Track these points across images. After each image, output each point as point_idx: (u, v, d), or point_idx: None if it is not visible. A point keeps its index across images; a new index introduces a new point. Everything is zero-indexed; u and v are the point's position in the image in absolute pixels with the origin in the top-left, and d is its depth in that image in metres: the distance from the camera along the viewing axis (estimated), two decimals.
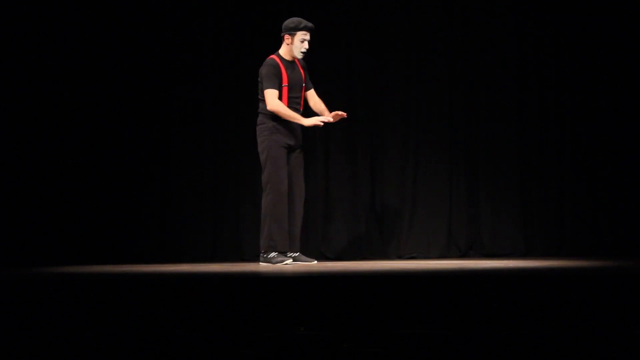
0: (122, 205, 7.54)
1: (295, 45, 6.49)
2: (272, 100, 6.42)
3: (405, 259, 7.50)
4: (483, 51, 7.67)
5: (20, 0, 7.45)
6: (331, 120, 6.55)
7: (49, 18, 7.47)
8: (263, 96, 6.48)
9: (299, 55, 6.52)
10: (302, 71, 6.60)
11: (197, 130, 7.68)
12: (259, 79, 6.53)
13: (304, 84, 6.60)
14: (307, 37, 6.50)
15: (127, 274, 5.41)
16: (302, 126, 6.54)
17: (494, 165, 7.64)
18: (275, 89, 6.42)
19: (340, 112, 6.55)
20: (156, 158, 7.65)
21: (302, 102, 6.61)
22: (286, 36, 6.51)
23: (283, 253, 6.47)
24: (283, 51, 6.55)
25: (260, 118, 6.57)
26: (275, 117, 6.48)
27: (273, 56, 6.55)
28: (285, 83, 6.47)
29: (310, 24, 6.49)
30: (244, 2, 7.71)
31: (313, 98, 6.68)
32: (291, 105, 6.49)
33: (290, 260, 6.49)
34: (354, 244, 7.62)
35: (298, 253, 6.59)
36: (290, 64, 6.55)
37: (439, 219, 7.66)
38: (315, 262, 6.65)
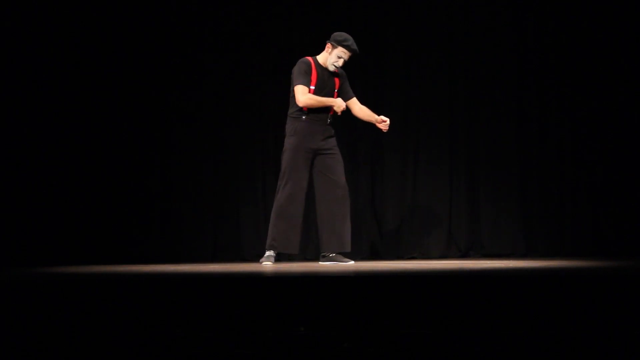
0: (122, 205, 7.54)
1: (331, 57, 6.48)
2: (301, 95, 6.42)
3: (405, 259, 7.50)
4: (483, 51, 7.68)
5: (20, 0, 7.46)
6: (379, 125, 6.59)
7: (49, 17, 7.48)
8: (292, 97, 6.50)
9: (330, 68, 6.51)
10: (337, 80, 6.59)
11: (197, 130, 7.69)
12: (291, 79, 6.53)
13: (336, 91, 6.58)
14: (346, 56, 6.48)
15: (127, 274, 5.41)
16: (332, 129, 6.54)
17: (494, 165, 7.65)
18: (304, 85, 6.43)
19: (383, 119, 6.59)
20: (156, 158, 7.66)
21: (332, 109, 6.58)
22: (329, 45, 6.51)
23: (282, 254, 6.54)
24: (321, 57, 6.55)
25: (287, 121, 6.58)
26: (296, 118, 6.47)
27: (308, 57, 6.55)
28: (312, 85, 6.47)
29: (354, 47, 6.46)
30: (245, 2, 7.72)
31: (355, 106, 6.67)
32: (319, 109, 6.49)
33: (270, 263, 6.48)
34: (354, 244, 7.61)
35: (334, 254, 6.55)
36: (325, 70, 6.54)
37: (439, 219, 7.67)
38: (353, 262, 6.58)
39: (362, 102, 7.76)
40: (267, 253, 6.53)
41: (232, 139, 7.69)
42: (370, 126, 7.72)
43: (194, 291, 4.33)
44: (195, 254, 7.54)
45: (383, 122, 6.60)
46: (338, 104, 6.48)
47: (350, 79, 7.54)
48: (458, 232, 7.67)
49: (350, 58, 6.50)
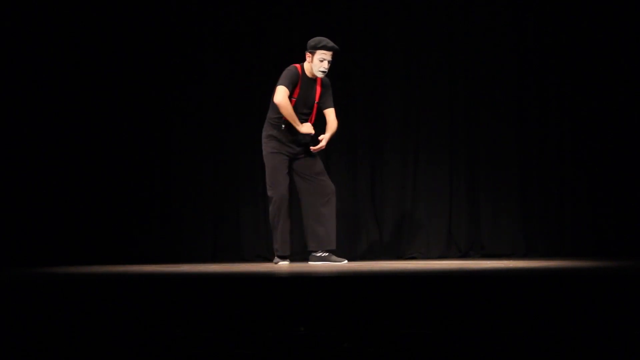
0: (122, 205, 7.54)
1: (314, 64, 6.48)
2: (282, 96, 6.41)
3: (405, 259, 7.50)
4: (483, 51, 7.68)
5: (20, 0, 7.46)
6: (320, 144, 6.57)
7: (49, 17, 7.48)
8: (273, 100, 6.50)
9: (319, 74, 6.50)
10: (319, 89, 6.58)
11: (197, 130, 7.69)
12: (276, 84, 6.53)
13: (316, 102, 6.59)
14: (327, 56, 6.46)
15: (127, 274, 5.41)
16: (308, 136, 6.55)
17: (494, 166, 7.65)
18: (287, 88, 6.42)
19: (319, 145, 6.55)
20: (156, 158, 7.66)
21: (313, 118, 6.61)
22: (308, 54, 6.51)
23: (282, 257, 6.58)
24: (306, 67, 6.55)
25: (264, 125, 6.62)
26: (275, 125, 6.51)
27: (297, 65, 6.55)
28: (295, 96, 6.48)
29: (331, 44, 6.44)
30: (245, 3, 7.71)
31: (329, 117, 6.64)
32: (299, 119, 6.50)
33: (286, 262, 6.55)
34: (354, 244, 7.63)
35: (327, 253, 6.59)
36: (309, 80, 6.54)
37: (439, 219, 7.66)
38: (346, 261, 6.63)
39: (363, 101, 7.76)
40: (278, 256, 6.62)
41: (232, 139, 7.69)
42: (370, 126, 7.75)
43: (194, 291, 4.34)
44: (195, 254, 7.54)
45: (319, 145, 6.56)
46: (300, 129, 6.45)
47: (350, 80, 7.55)
48: (458, 232, 7.67)
49: (333, 57, 6.49)
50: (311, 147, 6.56)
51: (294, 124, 6.46)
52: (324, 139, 6.55)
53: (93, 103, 7.53)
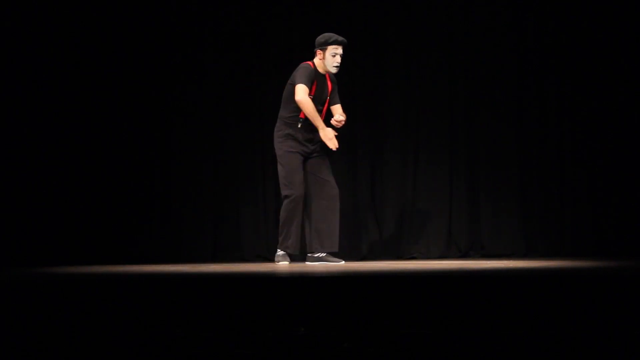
0: (122, 205, 7.54)
1: (327, 60, 6.51)
2: (302, 93, 6.43)
3: (405, 259, 7.50)
4: (483, 51, 7.68)
5: (20, 0, 7.46)
6: (336, 123, 6.59)
7: (49, 17, 7.48)
8: (288, 99, 6.50)
9: (333, 70, 6.54)
10: (330, 85, 6.62)
11: (197, 130, 7.68)
12: (289, 82, 6.54)
13: (328, 98, 6.62)
14: (339, 51, 6.50)
15: (127, 274, 5.41)
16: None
17: (494, 166, 7.65)
18: (307, 86, 6.44)
19: (336, 120, 6.57)
20: (156, 158, 7.65)
21: (323, 115, 6.63)
22: (318, 51, 6.54)
23: (290, 256, 6.59)
24: (317, 64, 6.57)
25: (277, 124, 6.62)
26: (291, 124, 6.51)
27: (309, 62, 6.56)
28: (312, 93, 6.49)
29: (341, 38, 6.50)
30: (245, 3, 7.71)
31: (337, 112, 6.66)
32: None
33: (286, 263, 6.55)
34: (354, 244, 7.62)
35: (325, 254, 6.59)
36: (322, 77, 6.58)
37: (439, 219, 7.66)
38: (343, 262, 6.64)
39: (363, 101, 7.77)
40: (280, 252, 6.62)
41: (232, 139, 7.69)
42: (370, 126, 7.75)
43: (194, 291, 4.34)
44: (195, 254, 7.53)
45: (336, 121, 6.59)
46: (328, 136, 6.48)
47: (350, 80, 7.55)
48: (458, 232, 7.67)
49: (344, 50, 6.52)
50: (332, 120, 6.55)
51: (316, 121, 6.47)
52: (339, 116, 6.55)
53: (93, 103, 7.53)
